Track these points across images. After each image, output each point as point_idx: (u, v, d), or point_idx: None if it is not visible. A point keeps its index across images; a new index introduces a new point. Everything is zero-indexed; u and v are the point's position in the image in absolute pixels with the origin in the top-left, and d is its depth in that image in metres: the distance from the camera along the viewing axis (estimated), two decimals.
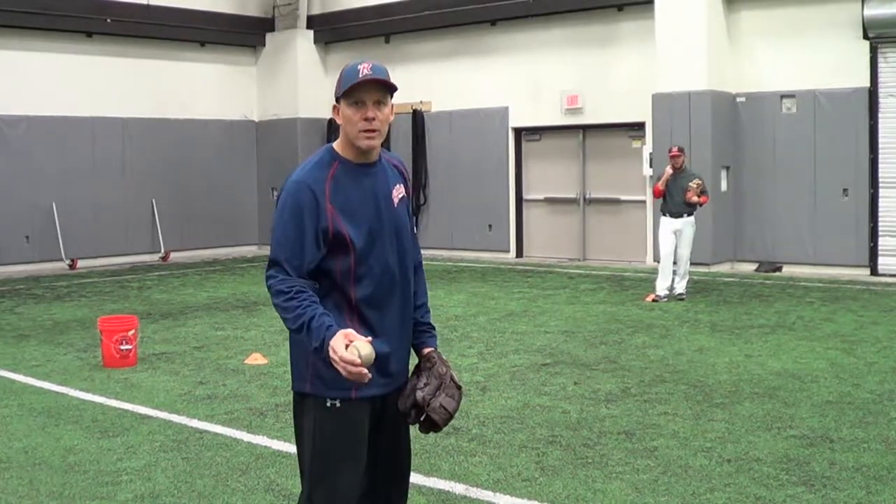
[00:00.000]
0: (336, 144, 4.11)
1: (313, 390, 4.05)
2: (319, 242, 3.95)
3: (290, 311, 3.88)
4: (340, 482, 4.06)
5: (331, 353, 3.75)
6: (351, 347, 3.73)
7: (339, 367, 3.73)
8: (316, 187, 3.96)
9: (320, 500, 4.05)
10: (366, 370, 3.74)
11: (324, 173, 4.01)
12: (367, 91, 3.98)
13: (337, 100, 4.04)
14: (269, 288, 3.96)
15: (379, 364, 3.99)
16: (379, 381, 4.06)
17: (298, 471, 4.21)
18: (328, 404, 4.02)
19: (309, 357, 4.01)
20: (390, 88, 4.03)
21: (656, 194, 15.71)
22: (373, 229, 4.03)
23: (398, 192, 4.20)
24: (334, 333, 3.78)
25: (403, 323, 4.21)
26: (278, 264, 3.94)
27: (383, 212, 4.09)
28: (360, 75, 3.95)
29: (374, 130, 3.99)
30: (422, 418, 4.20)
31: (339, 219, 3.96)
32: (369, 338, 3.82)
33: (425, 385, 4.21)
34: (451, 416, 4.24)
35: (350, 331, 3.82)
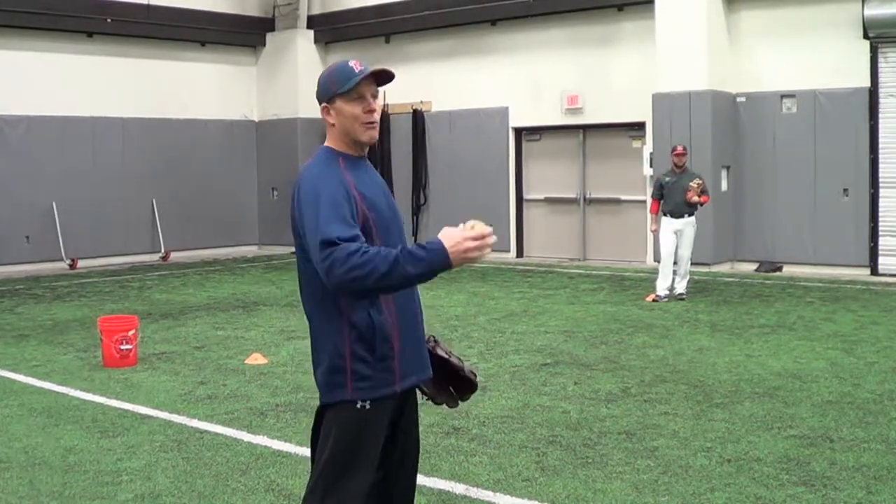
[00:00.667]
0: (331, 144, 4.16)
1: (353, 395, 3.97)
2: (357, 220, 3.91)
3: (373, 259, 3.69)
4: (355, 486, 4.03)
5: (462, 247, 3.70)
6: (467, 228, 3.73)
7: (477, 252, 3.72)
8: (340, 176, 4.01)
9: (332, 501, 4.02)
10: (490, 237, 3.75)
11: (337, 167, 4.06)
12: (367, 85, 4.08)
13: (329, 100, 4.10)
14: (332, 263, 3.71)
15: (416, 348, 4.13)
16: (419, 368, 4.17)
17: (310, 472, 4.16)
18: (358, 406, 3.97)
19: (347, 360, 3.96)
20: (389, 78, 4.14)
21: (653, 211, 15.78)
22: (387, 218, 4.10)
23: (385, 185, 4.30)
24: (438, 243, 3.72)
25: (420, 306, 4.26)
26: (329, 236, 3.76)
27: (389, 202, 4.18)
28: (358, 70, 4.04)
29: (375, 122, 4.11)
30: (460, 386, 4.35)
31: (364, 206, 3.99)
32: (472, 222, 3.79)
33: (450, 355, 4.32)
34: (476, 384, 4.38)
35: (448, 230, 3.77)
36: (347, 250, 3.70)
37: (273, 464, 7.05)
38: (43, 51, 21.80)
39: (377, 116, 4.13)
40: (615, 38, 21.04)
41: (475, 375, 4.37)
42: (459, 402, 4.42)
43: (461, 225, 3.74)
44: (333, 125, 4.12)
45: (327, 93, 4.10)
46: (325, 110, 4.12)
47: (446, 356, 4.31)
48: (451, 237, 3.71)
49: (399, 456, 4.25)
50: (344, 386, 3.98)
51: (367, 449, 4.03)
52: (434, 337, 4.37)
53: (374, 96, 4.13)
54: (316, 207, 3.88)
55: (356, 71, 4.04)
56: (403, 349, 4.06)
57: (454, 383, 4.36)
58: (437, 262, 3.72)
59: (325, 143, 4.18)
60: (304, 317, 4.15)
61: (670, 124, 19.33)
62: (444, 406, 4.39)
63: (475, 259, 3.74)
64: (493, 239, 3.74)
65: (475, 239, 3.71)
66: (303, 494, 4.16)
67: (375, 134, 4.13)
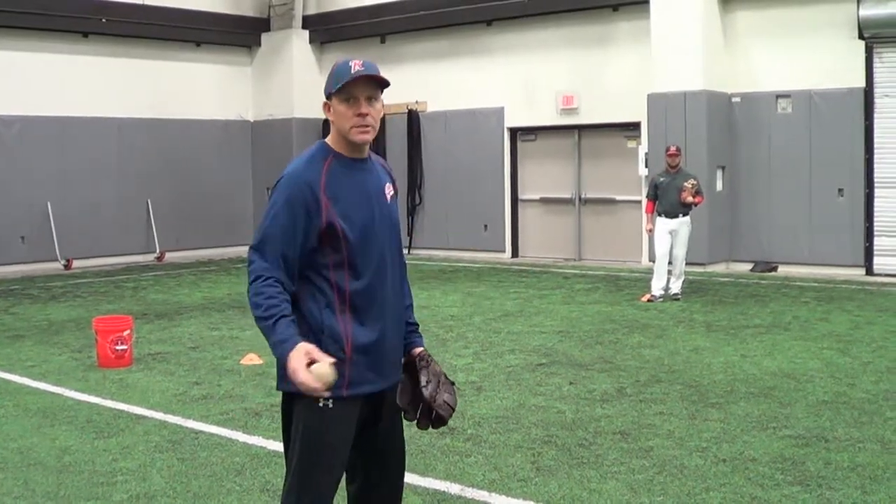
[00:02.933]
0: (329, 140, 4.18)
1: (289, 387, 3.98)
2: (310, 237, 3.99)
3: (262, 298, 3.91)
4: (325, 482, 4.09)
5: (289, 366, 3.76)
6: (313, 368, 3.75)
7: (294, 382, 3.76)
8: (312, 179, 4.02)
9: (307, 499, 4.06)
10: (322, 388, 3.77)
11: (319, 166, 4.07)
12: (359, 87, 4.06)
13: (328, 96, 4.12)
14: (250, 271, 3.97)
15: (374, 360, 4.09)
16: (374, 378, 4.11)
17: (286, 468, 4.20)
18: (320, 404, 3.99)
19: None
20: (382, 84, 4.11)
21: (648, 211, 15.78)
22: (366, 223, 4.09)
23: (389, 189, 4.30)
24: (295, 345, 3.80)
25: (396, 318, 4.25)
26: (263, 250, 3.98)
27: (376, 206, 4.16)
28: (353, 72, 4.03)
29: (366, 126, 4.08)
30: (431, 416, 4.23)
31: (333, 211, 4.01)
32: (331, 360, 3.82)
33: (427, 383, 4.24)
34: (453, 411, 4.28)
35: (311, 347, 3.82)
36: (259, 272, 3.95)
37: (268, 464, 7.04)
38: (38, 51, 21.78)
39: (371, 120, 4.09)
40: (610, 38, 21.05)
41: (452, 409, 4.28)
42: (428, 426, 4.31)
43: (319, 363, 3.77)
44: (333, 123, 4.14)
45: (327, 90, 4.12)
46: (326, 107, 4.16)
47: (423, 384, 4.25)
48: (297, 362, 3.75)
49: (380, 457, 4.26)
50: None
51: (337, 446, 4.07)
52: (428, 357, 4.34)
53: (371, 99, 4.09)
54: (273, 209, 4.02)
55: (351, 71, 4.03)
56: (357, 358, 4.07)
57: (427, 410, 4.27)
58: (278, 354, 3.85)
59: (327, 138, 4.20)
60: None
61: (665, 124, 19.34)
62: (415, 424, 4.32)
63: (296, 380, 3.75)
64: (311, 389, 3.76)
65: (301, 381, 3.74)
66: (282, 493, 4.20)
67: (367, 137, 4.10)
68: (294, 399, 4.05)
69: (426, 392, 4.21)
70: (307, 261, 4.03)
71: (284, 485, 4.14)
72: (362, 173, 4.17)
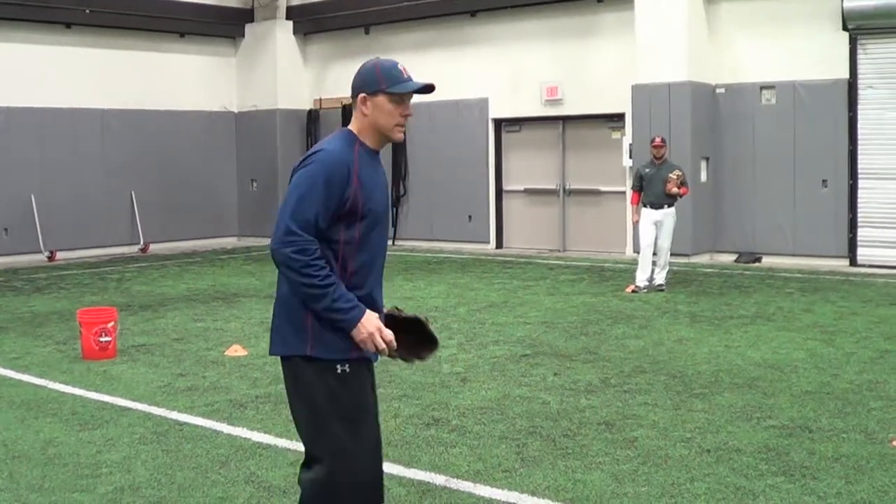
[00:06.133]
0: (355, 129, 4.45)
1: (316, 354, 4.28)
2: (336, 213, 4.27)
3: (316, 269, 4.18)
4: (366, 443, 4.38)
5: (364, 330, 4.22)
6: (386, 332, 4.27)
7: (371, 343, 4.24)
8: (349, 160, 4.30)
9: (345, 470, 4.32)
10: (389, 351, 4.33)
11: (352, 150, 4.36)
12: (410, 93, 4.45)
13: (373, 93, 4.38)
14: (289, 245, 4.17)
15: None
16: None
17: (305, 439, 4.41)
18: (339, 371, 4.31)
19: (308, 320, 4.29)
20: (429, 90, 4.46)
21: (634, 202, 15.79)
22: (378, 210, 4.41)
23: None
24: (365, 311, 4.26)
25: (381, 294, 4.58)
26: (303, 221, 4.19)
27: (385, 197, 4.51)
28: (406, 76, 4.42)
29: (405, 126, 4.49)
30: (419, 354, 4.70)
31: (360, 193, 4.30)
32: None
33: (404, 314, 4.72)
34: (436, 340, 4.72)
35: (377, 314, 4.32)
36: (304, 246, 4.19)
37: (253, 455, 7.03)
38: (21, 42, 21.69)
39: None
40: (595, 29, 21.06)
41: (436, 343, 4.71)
42: (419, 359, 4.73)
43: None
44: (366, 115, 4.41)
45: (373, 85, 4.38)
46: (363, 100, 4.39)
47: (413, 316, 4.67)
48: (371, 324, 4.25)
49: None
50: (305, 342, 4.33)
51: (365, 405, 4.45)
52: (397, 307, 4.75)
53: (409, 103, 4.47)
54: (309, 184, 4.24)
55: (405, 76, 4.41)
56: None
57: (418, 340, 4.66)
58: (345, 323, 4.24)
59: (350, 127, 4.47)
60: None
61: (650, 115, 19.37)
62: (411, 361, 4.73)
63: (366, 345, 4.25)
64: (385, 350, 4.30)
65: (379, 341, 4.26)
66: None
67: (403, 137, 4.52)
68: (308, 364, 4.31)
69: (413, 314, 4.69)
70: (323, 236, 4.27)
71: (320, 448, 4.35)
72: (378, 165, 4.50)
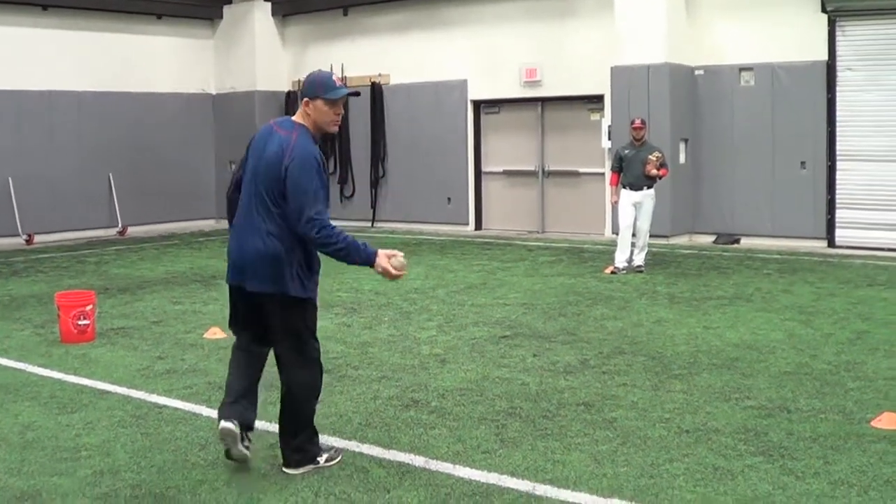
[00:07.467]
0: (306, 125, 6.01)
1: (310, 295, 6.06)
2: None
3: (340, 236, 5.82)
4: (319, 352, 6.29)
5: (381, 263, 5.93)
6: (394, 260, 6.00)
7: (390, 272, 5.95)
8: (318, 153, 5.95)
9: (319, 370, 6.25)
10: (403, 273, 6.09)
11: (316, 145, 5.99)
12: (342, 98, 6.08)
13: (313, 98, 5.95)
14: (324, 226, 5.78)
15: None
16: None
17: (289, 353, 6.13)
18: (316, 303, 6.18)
19: (314, 277, 6.10)
20: (355, 95, 6.40)
21: (612, 183, 15.77)
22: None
23: None
24: (376, 250, 5.94)
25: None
26: (322, 205, 5.81)
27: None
28: (339, 86, 6.02)
29: (339, 122, 6.13)
30: None
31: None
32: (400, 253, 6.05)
33: None
34: None
35: (387, 250, 6.01)
36: (330, 224, 5.85)
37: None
38: None
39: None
40: (573, 10, 21.02)
41: None
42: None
43: (396, 256, 6.04)
44: (309, 115, 5.99)
45: (313, 92, 5.96)
46: (307, 103, 5.98)
47: None
48: (385, 259, 5.98)
49: None
50: (308, 288, 6.06)
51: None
52: None
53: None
54: (318, 178, 5.84)
55: (337, 86, 6.00)
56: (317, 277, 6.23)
57: None
58: (363, 257, 5.93)
59: (299, 121, 6.02)
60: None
61: (628, 97, 19.38)
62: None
63: (387, 275, 5.99)
64: (399, 275, 6.05)
65: (399, 268, 6.03)
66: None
67: (337, 129, 6.14)
68: (305, 303, 6.05)
69: None
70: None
71: (299, 354, 6.12)
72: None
